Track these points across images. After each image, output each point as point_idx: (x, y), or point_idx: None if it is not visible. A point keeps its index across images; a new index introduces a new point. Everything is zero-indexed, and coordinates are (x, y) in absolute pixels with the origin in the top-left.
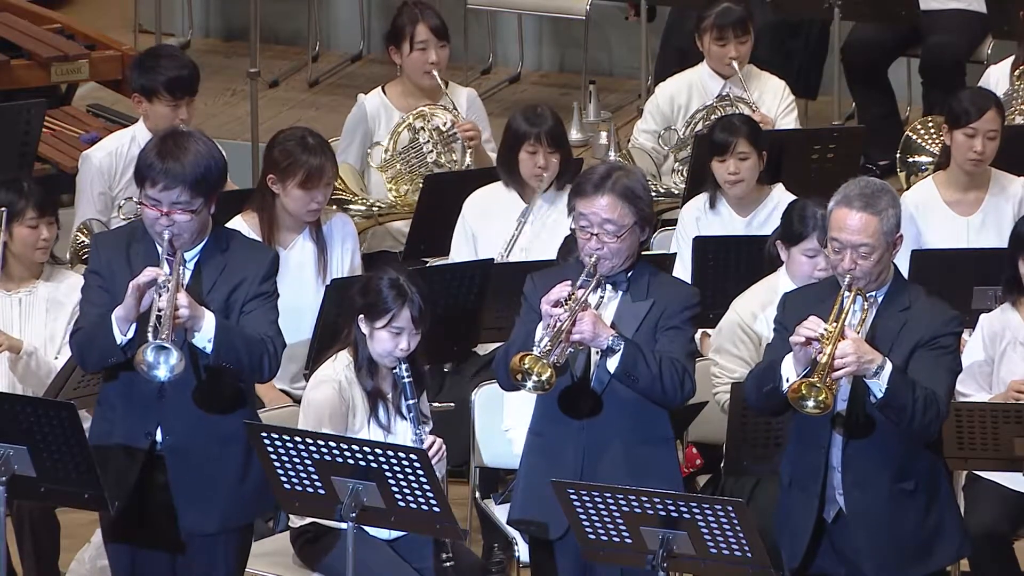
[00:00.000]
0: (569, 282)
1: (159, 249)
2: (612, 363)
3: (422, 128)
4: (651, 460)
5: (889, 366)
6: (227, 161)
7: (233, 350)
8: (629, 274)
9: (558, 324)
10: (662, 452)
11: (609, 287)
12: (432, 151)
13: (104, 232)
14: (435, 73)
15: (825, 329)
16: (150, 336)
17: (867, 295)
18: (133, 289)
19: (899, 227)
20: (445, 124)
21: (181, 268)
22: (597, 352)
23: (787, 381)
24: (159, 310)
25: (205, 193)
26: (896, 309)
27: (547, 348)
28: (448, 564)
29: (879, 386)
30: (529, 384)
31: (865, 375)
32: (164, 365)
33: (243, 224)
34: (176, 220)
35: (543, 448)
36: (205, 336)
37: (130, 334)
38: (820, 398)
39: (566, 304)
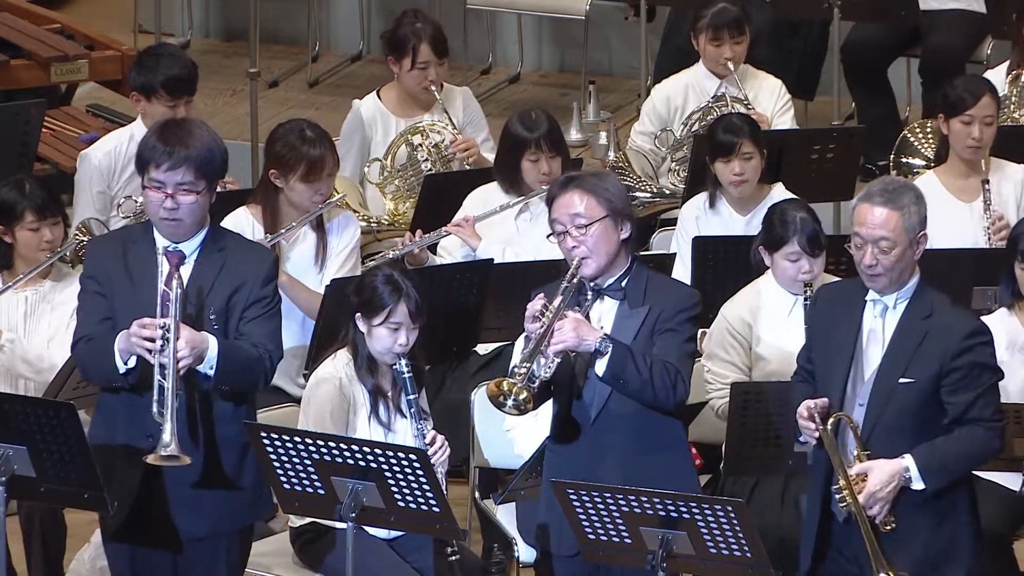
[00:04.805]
0: (543, 294)
1: (157, 247)
2: (600, 366)
3: (420, 145)
4: (665, 467)
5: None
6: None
7: (233, 374)
8: (624, 282)
9: (534, 339)
10: (674, 457)
11: (607, 297)
12: (431, 169)
13: (99, 236)
14: (432, 88)
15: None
16: (155, 410)
17: (884, 295)
18: (128, 339)
19: (923, 226)
20: (443, 142)
21: (176, 305)
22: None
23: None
24: (161, 370)
25: (209, 176)
26: (919, 317)
27: (523, 369)
28: (454, 558)
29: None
30: (508, 404)
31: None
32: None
33: (246, 215)
34: (180, 202)
35: (560, 466)
36: (208, 363)
37: (132, 363)
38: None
39: (543, 317)
